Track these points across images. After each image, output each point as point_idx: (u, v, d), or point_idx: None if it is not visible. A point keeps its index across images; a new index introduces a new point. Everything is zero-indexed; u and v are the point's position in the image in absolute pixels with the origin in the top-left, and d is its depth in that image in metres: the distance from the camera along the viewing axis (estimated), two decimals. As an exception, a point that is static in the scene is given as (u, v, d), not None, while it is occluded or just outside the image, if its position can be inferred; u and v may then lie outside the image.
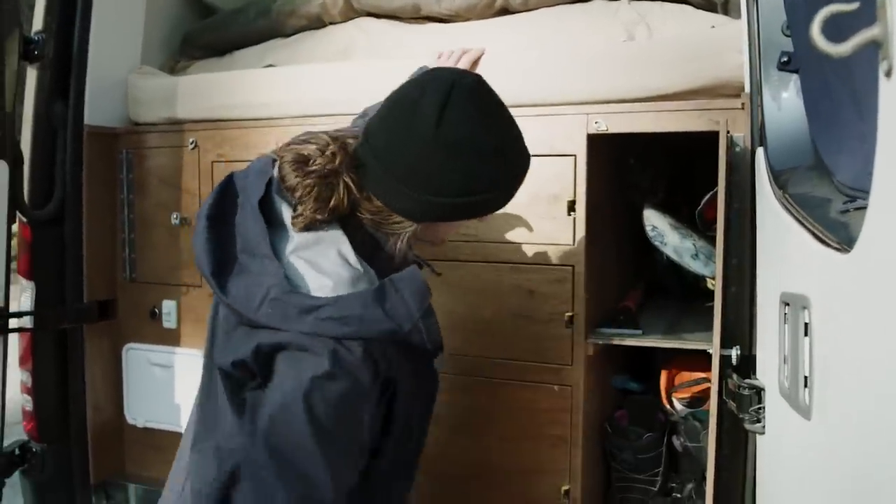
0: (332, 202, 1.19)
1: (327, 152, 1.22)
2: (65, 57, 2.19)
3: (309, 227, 1.19)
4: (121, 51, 2.36)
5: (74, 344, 2.24)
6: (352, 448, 1.17)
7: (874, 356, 0.77)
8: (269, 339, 1.13)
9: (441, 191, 1.19)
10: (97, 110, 2.25)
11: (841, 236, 0.93)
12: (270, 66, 2.26)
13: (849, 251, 0.83)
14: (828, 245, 0.94)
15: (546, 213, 1.80)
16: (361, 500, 1.24)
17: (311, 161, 1.21)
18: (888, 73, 0.66)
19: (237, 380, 1.18)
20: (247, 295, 1.15)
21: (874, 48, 0.70)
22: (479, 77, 1.25)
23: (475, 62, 1.62)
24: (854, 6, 0.68)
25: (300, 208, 1.20)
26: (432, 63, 1.62)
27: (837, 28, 0.74)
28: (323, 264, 1.18)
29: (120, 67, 2.35)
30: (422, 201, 1.20)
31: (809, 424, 0.99)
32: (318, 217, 1.19)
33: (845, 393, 0.86)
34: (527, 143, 1.76)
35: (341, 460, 1.15)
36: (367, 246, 1.24)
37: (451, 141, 1.16)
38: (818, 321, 0.96)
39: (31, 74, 2.14)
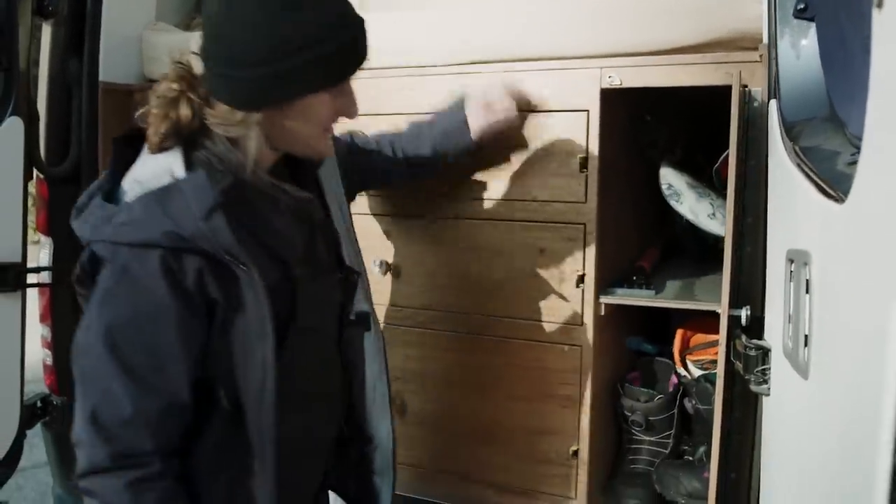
0: (173, 117, 1.18)
1: (171, 75, 1.22)
2: (79, 13, 2.17)
3: (160, 149, 1.19)
4: (135, 6, 2.33)
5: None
6: (155, 363, 1.15)
7: (863, 310, 0.74)
8: (86, 252, 1.18)
9: (241, 60, 1.14)
10: (112, 67, 2.24)
11: (844, 188, 0.88)
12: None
13: (844, 202, 0.79)
14: (830, 198, 0.90)
15: (557, 169, 1.76)
16: (237, 439, 1.22)
17: (156, 88, 1.22)
18: (879, 4, 0.61)
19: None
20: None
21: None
22: None
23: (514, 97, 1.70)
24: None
25: (149, 132, 1.20)
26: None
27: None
28: (142, 176, 1.18)
29: (134, 23, 2.32)
30: (231, 77, 1.15)
31: (807, 384, 0.96)
32: (162, 133, 1.18)
33: (838, 350, 0.83)
34: (535, 96, 1.76)
35: (142, 376, 1.14)
36: (226, 163, 1.21)
37: (241, 0, 1.13)
38: (817, 277, 0.92)
39: (46, 31, 2.14)
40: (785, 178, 1.17)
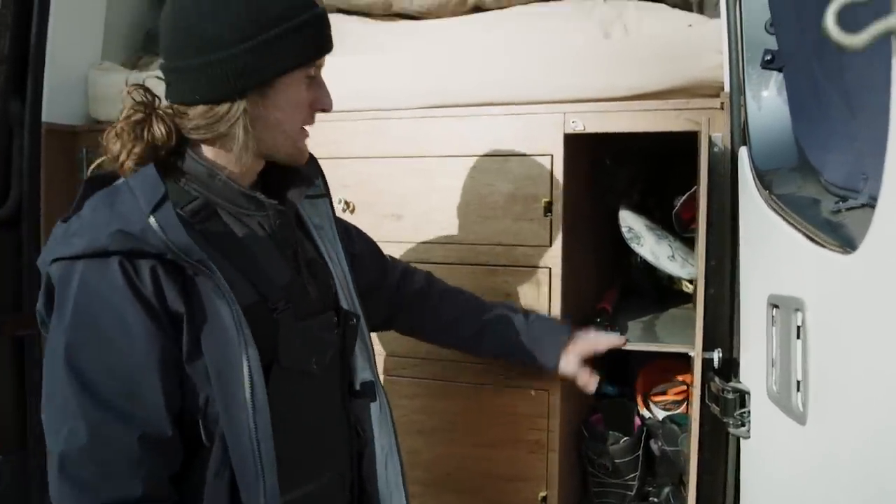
0: (147, 139, 1.11)
1: (128, 102, 1.15)
2: (22, 52, 2.10)
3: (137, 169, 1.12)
4: (80, 46, 2.27)
5: (31, 351, 2.15)
6: (126, 387, 1.05)
7: (879, 359, 0.75)
8: (44, 280, 1.09)
9: (211, 45, 1.08)
10: (56, 107, 2.17)
11: (838, 238, 0.90)
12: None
13: (850, 253, 0.81)
14: (823, 246, 0.92)
15: (522, 213, 1.77)
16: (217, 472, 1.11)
17: (117, 123, 1.15)
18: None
19: None
20: None
21: (877, 48, 0.68)
22: None
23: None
24: (869, -4, 0.65)
25: (122, 159, 1.12)
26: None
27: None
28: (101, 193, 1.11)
29: (79, 63, 2.26)
30: (203, 68, 1.09)
31: (804, 429, 0.97)
32: (137, 154, 1.11)
33: (847, 397, 0.84)
34: (501, 142, 1.77)
35: (113, 405, 1.04)
36: (199, 181, 1.16)
37: None
38: (814, 324, 0.94)
39: (-14, 70, 2.06)
40: (762, 224, 1.20)
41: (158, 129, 1.12)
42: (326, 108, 1.23)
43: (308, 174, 1.31)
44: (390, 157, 1.85)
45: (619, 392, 2.10)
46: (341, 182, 1.85)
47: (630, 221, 1.95)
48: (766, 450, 1.21)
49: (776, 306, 1.11)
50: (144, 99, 1.15)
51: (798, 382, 1.00)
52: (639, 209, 2.07)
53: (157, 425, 1.06)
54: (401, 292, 1.60)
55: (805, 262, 0.98)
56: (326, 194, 1.42)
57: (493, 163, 1.78)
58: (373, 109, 1.87)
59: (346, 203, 1.88)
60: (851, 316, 0.82)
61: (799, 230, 1.02)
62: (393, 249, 1.81)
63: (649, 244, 1.91)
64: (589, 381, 1.60)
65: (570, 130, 1.72)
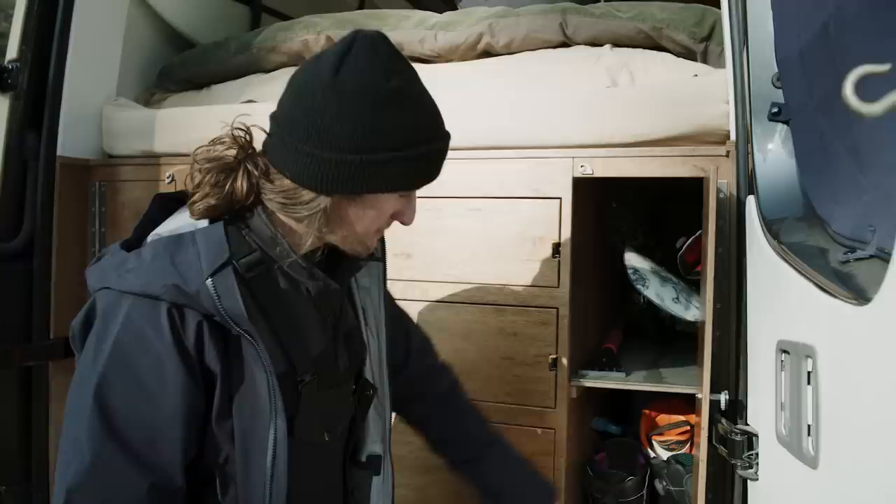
0: (227, 185, 1.10)
1: (227, 140, 1.14)
2: (39, 87, 2.15)
3: (206, 215, 1.11)
4: (96, 82, 2.32)
5: (39, 381, 2.16)
6: (148, 432, 1.04)
7: (891, 408, 0.78)
8: (89, 302, 1.09)
9: (333, 143, 1.05)
10: (70, 141, 2.21)
11: (849, 288, 0.94)
12: (251, 101, 2.24)
13: (863, 304, 0.84)
14: (834, 297, 0.96)
15: (531, 255, 1.81)
16: None
17: (212, 151, 1.13)
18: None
19: None
20: None
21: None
22: (382, 33, 1.12)
23: None
24: (886, 68, 0.70)
25: (195, 197, 1.12)
26: None
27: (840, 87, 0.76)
28: (164, 229, 1.12)
29: (95, 98, 2.30)
30: (314, 157, 1.06)
31: (815, 473, 1.00)
32: (213, 203, 1.10)
33: (859, 443, 0.87)
34: (511, 184, 1.81)
35: (131, 446, 1.03)
36: (261, 240, 1.14)
37: (347, 86, 1.05)
38: (826, 371, 0.97)
39: (4, 104, 2.10)
40: (772, 271, 1.24)
41: (241, 187, 1.11)
42: (406, 223, 1.22)
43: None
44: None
45: (622, 431, 2.13)
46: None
47: (635, 263, 1.99)
48: (776, 493, 1.24)
49: (786, 352, 1.14)
50: (244, 144, 1.14)
51: (809, 427, 1.03)
52: (643, 250, 2.11)
53: (170, 476, 1.06)
54: (415, 388, 1.54)
55: (816, 310, 1.02)
56: (381, 259, 1.40)
57: (502, 205, 1.82)
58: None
59: (358, 242, 1.91)
60: (864, 364, 0.85)
61: (809, 279, 1.06)
62: (402, 288, 1.84)
63: (654, 286, 1.95)
64: None
65: (578, 174, 1.77)
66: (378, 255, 1.37)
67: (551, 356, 1.78)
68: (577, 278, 1.82)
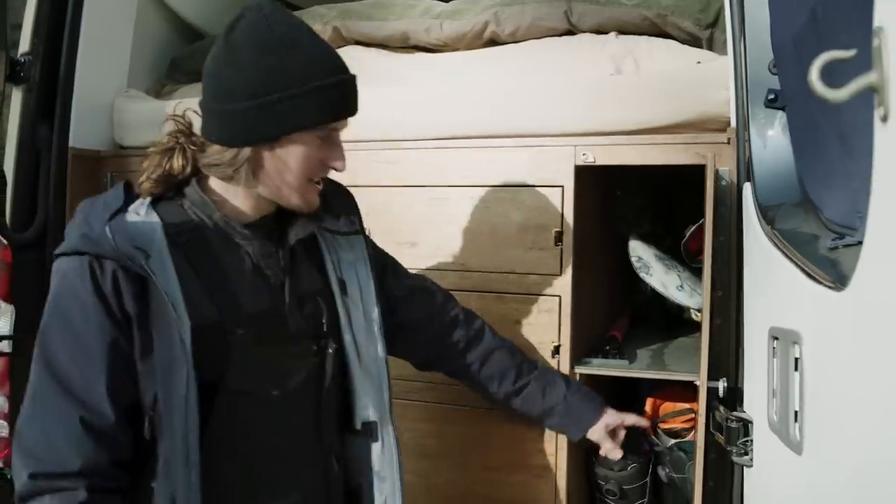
0: (165, 167, 1.25)
1: (168, 128, 1.30)
2: (51, 79, 2.18)
3: (150, 193, 1.26)
4: (107, 74, 2.35)
5: (53, 369, 2.20)
6: (78, 369, 1.18)
7: (869, 393, 0.78)
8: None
9: (231, 95, 1.20)
10: (82, 133, 2.25)
11: (832, 274, 0.94)
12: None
13: (842, 289, 0.84)
14: (819, 282, 0.96)
15: (533, 243, 1.81)
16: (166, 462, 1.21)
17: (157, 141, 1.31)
18: (884, 119, 0.67)
19: None
20: None
21: (869, 93, 0.72)
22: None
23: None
24: (851, 53, 0.70)
25: (141, 179, 1.27)
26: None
27: (830, 71, 0.76)
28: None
29: (106, 90, 2.34)
30: (222, 113, 1.22)
31: (800, 459, 1.00)
32: (154, 179, 1.25)
33: (839, 429, 0.87)
34: (513, 172, 1.82)
35: (63, 379, 1.17)
36: (196, 206, 1.28)
37: (237, 42, 1.20)
38: (810, 357, 0.97)
39: (17, 96, 2.13)
40: (765, 258, 1.24)
41: (177, 162, 1.26)
42: (337, 168, 1.31)
43: (317, 215, 1.38)
44: (406, 186, 1.90)
45: (627, 419, 2.12)
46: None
47: (640, 251, 1.99)
48: (767, 479, 1.24)
49: (776, 338, 1.14)
50: (182, 128, 1.29)
51: (796, 413, 1.03)
52: (648, 238, 2.11)
53: (100, 411, 1.17)
54: (444, 342, 1.63)
55: (802, 296, 1.02)
56: (361, 231, 1.48)
57: (505, 193, 1.83)
58: (390, 140, 1.93)
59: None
60: (843, 350, 0.85)
61: (797, 265, 1.06)
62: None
63: (658, 274, 1.95)
64: (611, 451, 1.68)
65: (580, 162, 1.77)
66: (356, 228, 1.47)
67: (554, 343, 1.79)
68: (581, 266, 1.82)
